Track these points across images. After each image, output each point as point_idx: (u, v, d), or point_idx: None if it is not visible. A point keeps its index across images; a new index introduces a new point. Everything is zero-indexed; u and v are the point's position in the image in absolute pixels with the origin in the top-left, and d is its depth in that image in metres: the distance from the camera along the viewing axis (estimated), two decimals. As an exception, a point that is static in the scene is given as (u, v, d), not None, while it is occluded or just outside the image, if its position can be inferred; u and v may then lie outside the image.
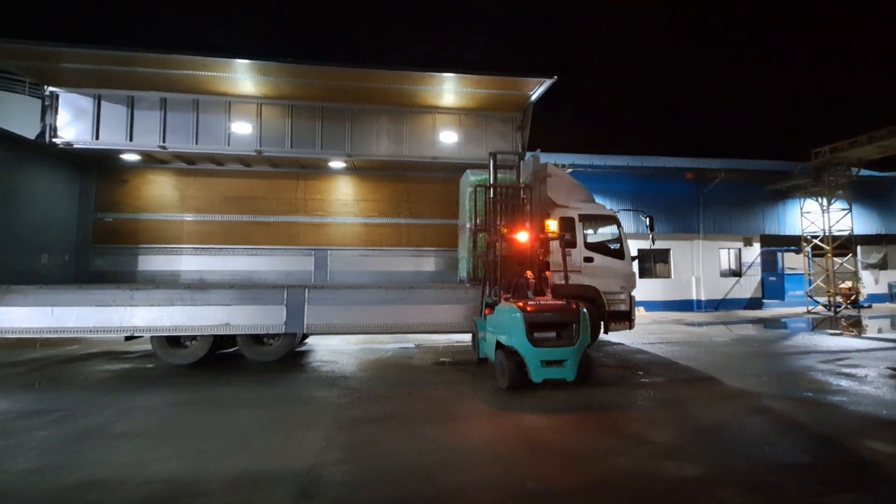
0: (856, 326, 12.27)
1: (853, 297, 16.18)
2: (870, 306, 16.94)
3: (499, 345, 5.77)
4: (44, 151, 7.83)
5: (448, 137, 8.98)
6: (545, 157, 10.81)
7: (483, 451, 3.80)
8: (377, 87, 8.31)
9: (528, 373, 5.33)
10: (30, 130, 7.91)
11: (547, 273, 6.68)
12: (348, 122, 8.72)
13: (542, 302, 5.77)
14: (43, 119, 7.95)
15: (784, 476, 3.37)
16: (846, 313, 15.28)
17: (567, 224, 8.04)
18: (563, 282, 6.63)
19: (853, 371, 6.67)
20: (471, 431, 4.30)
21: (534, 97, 8.44)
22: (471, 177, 8.09)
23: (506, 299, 6.07)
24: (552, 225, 6.99)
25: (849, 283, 16.30)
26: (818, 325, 12.71)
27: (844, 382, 6.03)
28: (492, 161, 7.49)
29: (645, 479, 3.30)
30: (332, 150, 8.68)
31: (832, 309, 15.47)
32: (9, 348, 8.45)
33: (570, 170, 14.74)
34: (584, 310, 5.66)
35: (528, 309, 5.44)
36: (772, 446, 3.89)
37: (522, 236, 6.58)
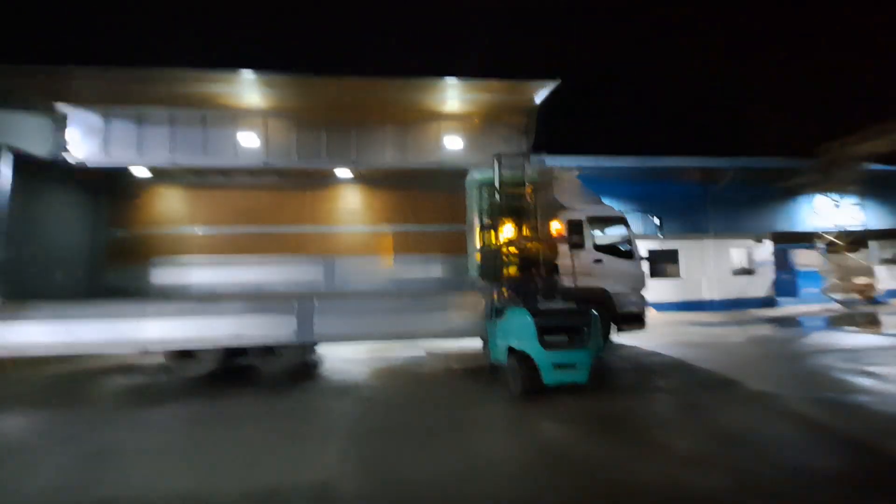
0: (874, 323, 12.01)
1: (870, 294, 15.87)
2: (887, 302, 16.60)
3: (510, 350, 5.73)
4: (56, 169, 7.94)
5: (453, 143, 8.97)
6: (552, 160, 10.77)
7: (499, 461, 3.74)
8: (382, 97, 8.34)
9: (541, 377, 5.30)
10: (42, 149, 8.03)
11: (560, 276, 6.61)
12: (353, 131, 8.76)
13: (552, 306, 5.76)
14: (54, 138, 8.09)
15: (815, 483, 3.26)
16: (863, 310, 14.98)
17: (575, 226, 7.97)
18: (572, 285, 6.57)
19: (876, 369, 6.50)
20: (486, 440, 4.23)
21: (538, 100, 8.41)
22: (476, 175, 8.02)
23: (515, 303, 6.04)
24: (555, 226, 6.94)
25: (864, 279, 15.99)
26: (835, 322, 12.46)
27: (868, 381, 5.88)
28: (496, 163, 7.34)
29: (668, 489, 3.22)
30: (337, 160, 8.72)
31: (848, 306, 15.18)
32: (24, 365, 8.51)
33: (578, 172, 14.66)
34: (596, 313, 5.62)
35: (539, 313, 5.42)
36: (799, 451, 3.78)
37: (530, 239, 6.53)
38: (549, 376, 5.29)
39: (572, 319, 5.53)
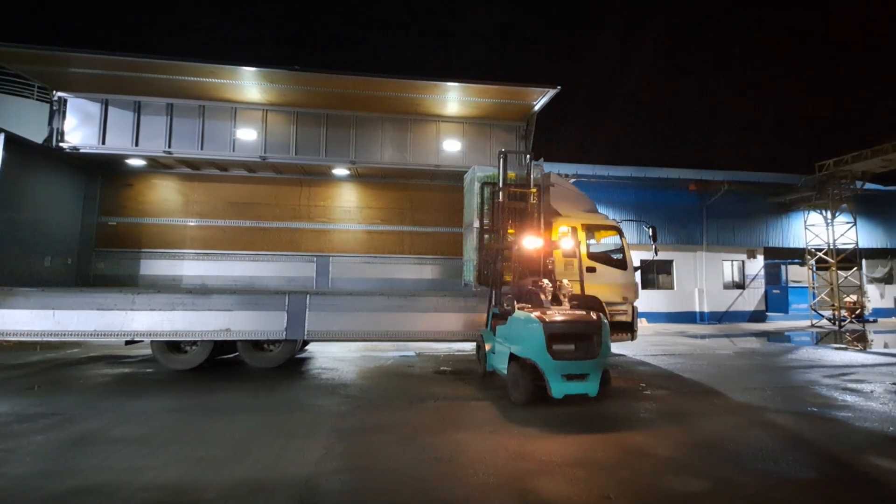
0: (861, 341, 12.15)
1: (858, 311, 16.06)
2: (875, 321, 16.80)
3: (512, 357, 5.42)
4: (50, 155, 7.89)
5: (452, 146, 9.02)
6: (548, 167, 10.86)
7: (484, 463, 3.75)
8: (382, 96, 8.38)
9: (548, 387, 4.94)
10: (37, 135, 7.99)
11: (567, 282, 6.23)
12: (353, 129, 8.79)
13: (561, 312, 5.44)
14: (50, 123, 8.04)
15: (789, 492, 3.31)
16: (851, 327, 15.15)
17: (570, 233, 8.01)
18: (578, 291, 6.38)
19: (858, 386, 6.59)
20: (472, 442, 4.24)
21: (537, 107, 8.47)
22: (478, 172, 7.85)
23: (520, 308, 5.69)
24: (565, 235, 6.84)
25: (854, 297, 16.18)
26: (822, 339, 12.60)
27: (850, 398, 5.96)
28: (501, 161, 7.06)
29: (649, 494, 3.25)
30: (336, 157, 8.73)
31: (836, 323, 15.35)
32: (9, 351, 8.44)
33: (574, 180, 14.77)
34: (606, 320, 5.34)
35: (548, 319, 5.06)
36: (777, 461, 3.83)
37: (535, 242, 6.23)
38: (558, 387, 4.91)
39: (582, 326, 5.12)
